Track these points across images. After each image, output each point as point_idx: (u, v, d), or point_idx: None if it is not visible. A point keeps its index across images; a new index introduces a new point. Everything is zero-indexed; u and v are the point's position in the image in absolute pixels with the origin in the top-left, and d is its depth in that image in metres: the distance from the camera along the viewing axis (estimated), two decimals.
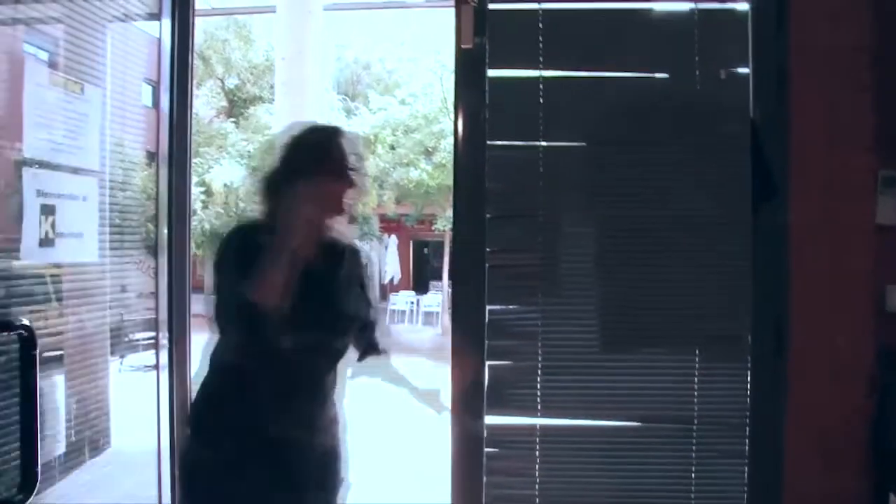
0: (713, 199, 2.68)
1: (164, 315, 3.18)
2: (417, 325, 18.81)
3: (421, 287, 21.87)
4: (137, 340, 3.68)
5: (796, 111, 2.65)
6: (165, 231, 3.16)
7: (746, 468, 2.69)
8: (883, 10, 2.66)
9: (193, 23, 3.15)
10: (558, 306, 2.71)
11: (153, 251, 3.28)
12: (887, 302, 2.68)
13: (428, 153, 16.99)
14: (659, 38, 2.74)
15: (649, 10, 2.77)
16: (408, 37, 18.10)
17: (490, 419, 2.70)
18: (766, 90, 2.69)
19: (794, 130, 2.65)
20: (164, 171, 3.16)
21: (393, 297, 20.08)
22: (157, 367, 3.22)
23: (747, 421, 2.68)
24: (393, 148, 17.49)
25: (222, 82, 19.07)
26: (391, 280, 22.14)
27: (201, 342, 2.58)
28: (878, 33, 2.65)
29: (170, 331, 3.17)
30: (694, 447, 2.69)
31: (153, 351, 3.26)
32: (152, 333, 3.28)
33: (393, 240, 22.29)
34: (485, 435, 2.70)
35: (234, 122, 18.61)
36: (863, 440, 2.62)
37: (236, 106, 19.08)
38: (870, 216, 2.66)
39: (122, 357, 3.86)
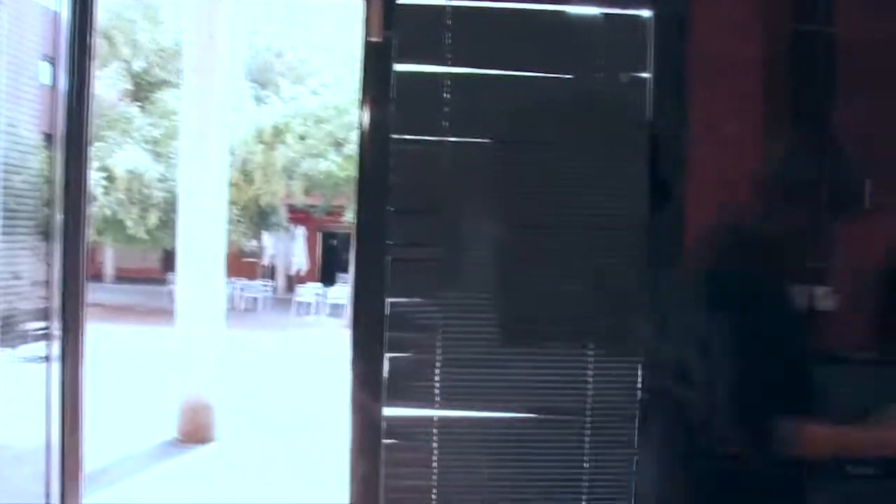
0: (612, 198, 2.76)
1: (57, 304, 3.08)
2: (324, 316, 18.67)
3: (328, 279, 21.73)
4: (30, 330, 3.55)
5: (692, 117, 2.76)
6: (60, 217, 3.05)
7: (636, 457, 2.77)
8: (774, 24, 2.80)
9: None
10: (458, 300, 2.74)
11: (48, 238, 3.16)
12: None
13: (338, 144, 16.89)
14: (564, 40, 2.80)
15: (556, 12, 2.82)
16: (320, 26, 17.90)
17: (388, 411, 2.72)
18: (664, 95, 2.78)
19: (690, 135, 2.75)
20: (60, 155, 3.05)
21: (300, 289, 19.86)
22: (48, 358, 3.11)
23: (638, 412, 2.77)
24: (303, 138, 17.32)
25: (128, 64, 18.45)
26: (298, 271, 21.93)
27: (96, 333, 2.51)
28: (769, 47, 2.78)
29: (63, 321, 3.07)
30: (587, 437, 2.76)
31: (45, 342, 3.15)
32: (45, 323, 3.16)
33: (301, 231, 22.07)
34: (383, 426, 2.71)
35: (139, 106, 18.05)
36: None
37: (142, 89, 18.50)
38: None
39: (12, 347, 3.72)
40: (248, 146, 17.34)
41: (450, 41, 2.73)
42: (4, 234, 3.18)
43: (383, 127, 2.71)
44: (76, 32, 3.00)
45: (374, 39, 2.71)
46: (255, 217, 19.64)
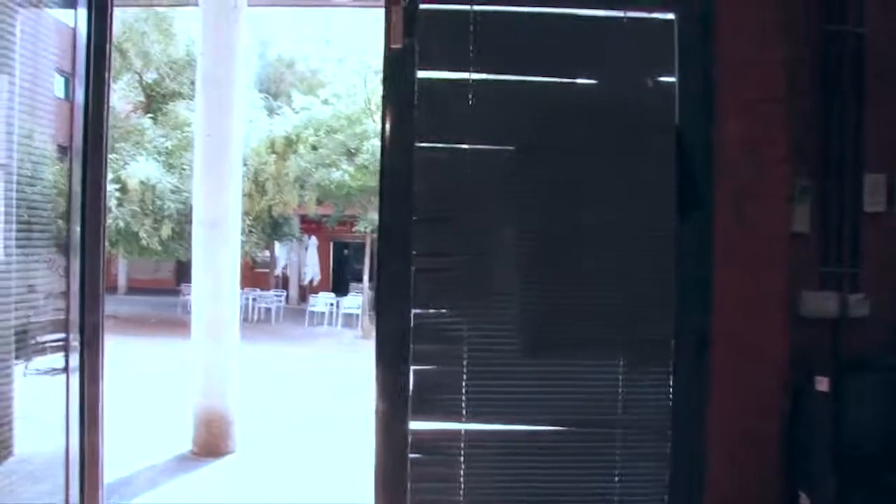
0: (639, 205, 2.71)
1: (75, 316, 3.05)
2: (337, 327, 18.63)
3: (341, 289, 21.70)
4: (45, 343, 3.51)
5: (719, 121, 2.71)
6: (78, 229, 3.03)
7: (669, 470, 2.72)
8: (794, 28, 2.74)
9: (111, 12, 3.03)
10: (484, 310, 2.70)
11: (64, 249, 3.13)
12: (801, 306, 2.76)
13: (350, 154, 16.86)
14: (589, 44, 2.75)
15: (579, 17, 2.78)
16: (333, 36, 17.92)
17: (415, 424, 2.67)
18: (691, 99, 2.73)
19: (717, 139, 2.70)
20: (77, 166, 3.02)
21: (313, 299, 19.84)
22: (66, 370, 3.08)
23: (670, 424, 2.72)
24: (315, 148, 17.31)
25: (140, 76, 18.54)
26: (311, 281, 21.91)
27: (110, 344, 2.47)
28: (790, 50, 2.73)
29: (81, 332, 3.04)
30: (618, 450, 2.71)
31: (62, 353, 3.12)
32: (61, 335, 3.13)
33: (313, 241, 22.08)
34: (409, 440, 2.66)
35: (151, 117, 18.11)
36: (778, 440, 2.69)
37: (154, 101, 18.57)
38: (786, 224, 2.73)
39: (27, 360, 3.68)
40: (260, 157, 17.36)
41: (473, 47, 2.69)
42: (19, 246, 3.16)
43: (406, 134, 2.67)
44: (93, 47, 2.99)
45: (395, 46, 2.67)
46: (268, 227, 19.62)
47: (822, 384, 2.63)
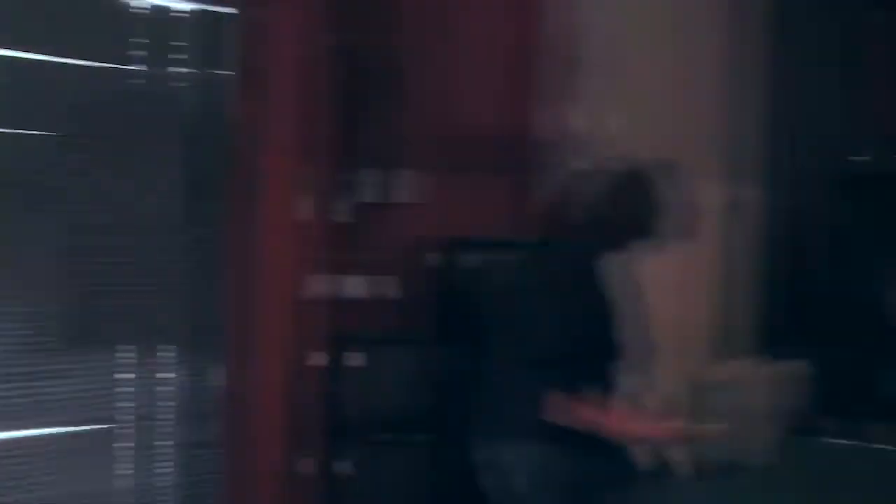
0: (158, 197, 2.72)
1: None
2: None
3: None
4: None
5: (241, 115, 2.80)
6: None
7: (217, 455, 2.79)
8: (346, 29, 2.92)
9: None
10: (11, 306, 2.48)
11: None
12: (334, 290, 2.97)
13: None
14: (137, 31, 2.67)
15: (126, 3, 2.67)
16: None
17: None
18: (234, 93, 2.80)
19: (238, 133, 2.80)
20: None
21: None
22: None
23: (212, 411, 2.78)
24: None
25: None
26: None
27: None
28: (321, 55, 2.90)
29: None
30: (159, 443, 2.70)
31: None
32: None
33: None
34: None
35: None
36: (316, 415, 2.87)
37: None
38: (322, 214, 2.92)
39: None
40: None
41: None
42: None
43: None
44: None
45: None
46: None
47: (355, 360, 2.88)
